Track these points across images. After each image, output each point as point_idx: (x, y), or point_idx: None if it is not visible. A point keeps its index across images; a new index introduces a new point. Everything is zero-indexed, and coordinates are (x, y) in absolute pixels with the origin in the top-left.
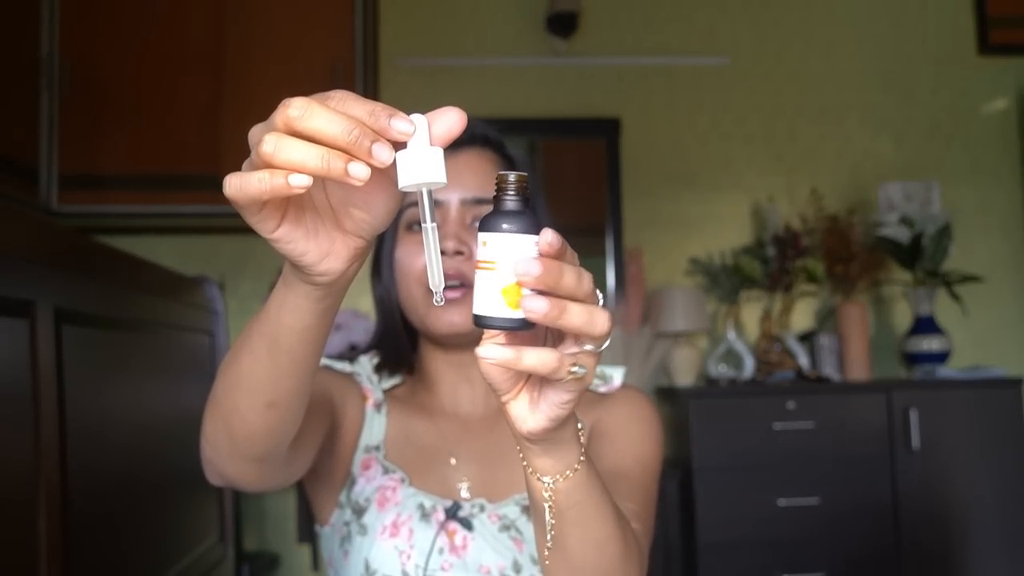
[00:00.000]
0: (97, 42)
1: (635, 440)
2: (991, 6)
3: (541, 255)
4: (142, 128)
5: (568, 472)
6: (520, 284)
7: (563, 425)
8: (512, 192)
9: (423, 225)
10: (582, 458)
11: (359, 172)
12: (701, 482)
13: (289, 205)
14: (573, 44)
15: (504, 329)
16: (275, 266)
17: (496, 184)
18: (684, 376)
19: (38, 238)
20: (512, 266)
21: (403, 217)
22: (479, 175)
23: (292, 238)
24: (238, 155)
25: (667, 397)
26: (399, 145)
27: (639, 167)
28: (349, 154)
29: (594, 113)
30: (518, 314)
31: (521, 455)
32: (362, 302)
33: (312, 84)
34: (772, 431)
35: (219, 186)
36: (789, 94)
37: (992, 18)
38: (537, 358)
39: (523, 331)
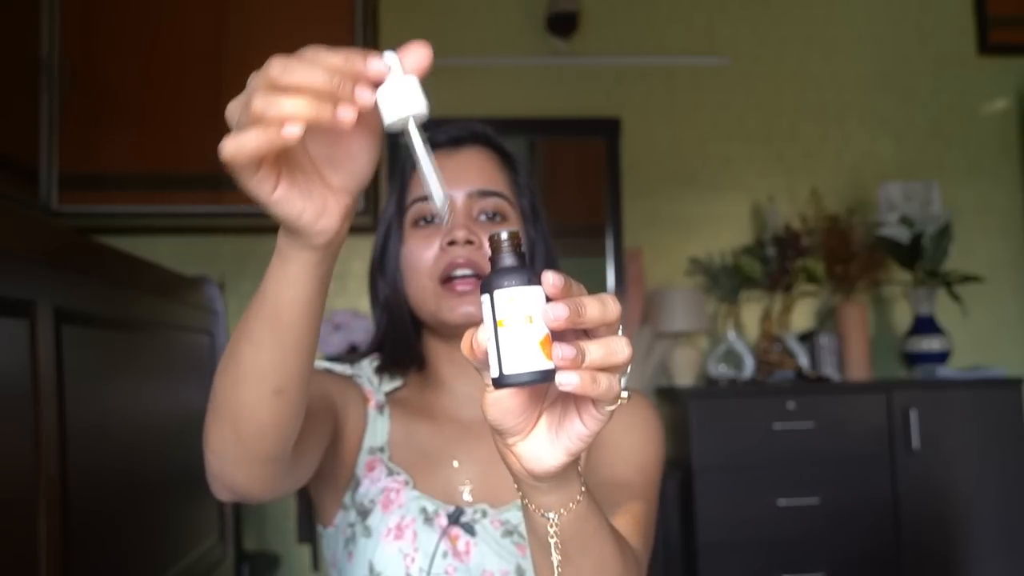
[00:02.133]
0: (97, 42)
1: (636, 448)
2: (991, 6)
3: (551, 298)
4: (142, 128)
5: (571, 504)
6: (551, 330)
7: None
8: (508, 249)
9: (415, 151)
10: (583, 488)
11: (347, 114)
12: (701, 482)
13: (282, 167)
14: (573, 44)
15: (535, 383)
16: None
17: (491, 245)
18: (684, 376)
19: (38, 238)
20: (540, 317)
21: (408, 214)
22: (482, 170)
23: (289, 197)
24: None
25: (667, 397)
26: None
27: (639, 167)
28: (334, 100)
29: (594, 113)
30: (549, 364)
31: (521, 494)
32: (362, 302)
33: None
34: (772, 431)
35: (219, 186)
36: (789, 94)
37: (992, 18)
38: (606, 382)
39: (545, 383)
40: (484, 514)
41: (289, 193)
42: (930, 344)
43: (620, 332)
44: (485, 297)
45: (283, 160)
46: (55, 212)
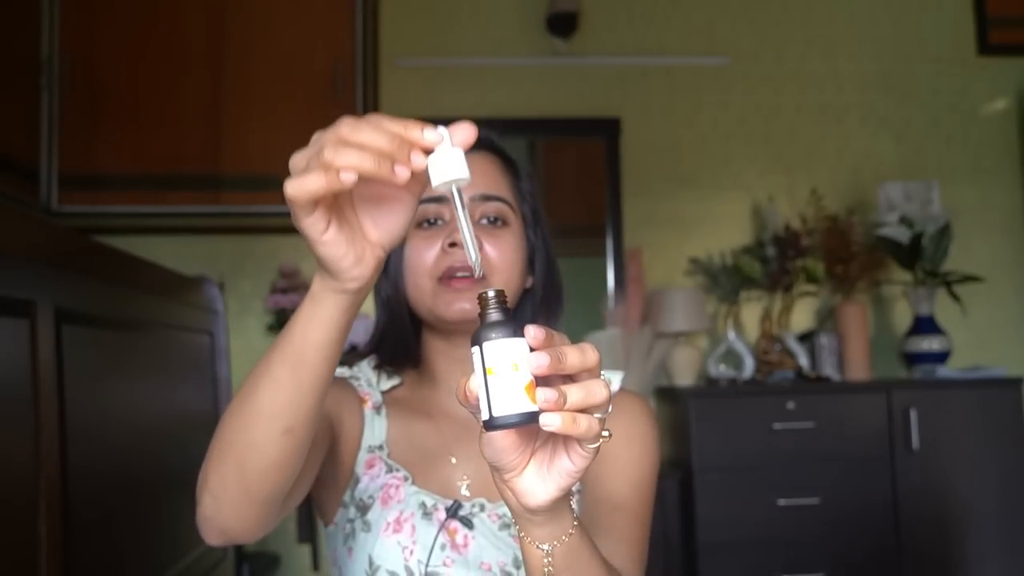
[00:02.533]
0: (97, 42)
1: (633, 462)
2: (991, 6)
3: (534, 348)
4: (142, 128)
5: (564, 537)
6: (535, 376)
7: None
8: (495, 305)
9: (457, 213)
10: (576, 521)
11: (403, 172)
12: (701, 482)
13: (334, 213)
14: (573, 44)
15: (522, 424)
16: (275, 266)
17: (479, 302)
18: (684, 376)
19: (38, 238)
20: (525, 366)
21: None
22: (485, 176)
23: (336, 240)
24: (238, 155)
25: (667, 397)
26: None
27: (639, 167)
28: (391, 160)
29: (594, 113)
30: (533, 407)
31: (518, 528)
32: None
33: (312, 84)
34: (772, 431)
35: (219, 186)
36: (789, 94)
37: (992, 18)
38: (586, 423)
39: (532, 424)
40: (482, 508)
41: (337, 237)
42: (930, 344)
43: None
44: (475, 349)
45: (335, 208)
46: (55, 212)
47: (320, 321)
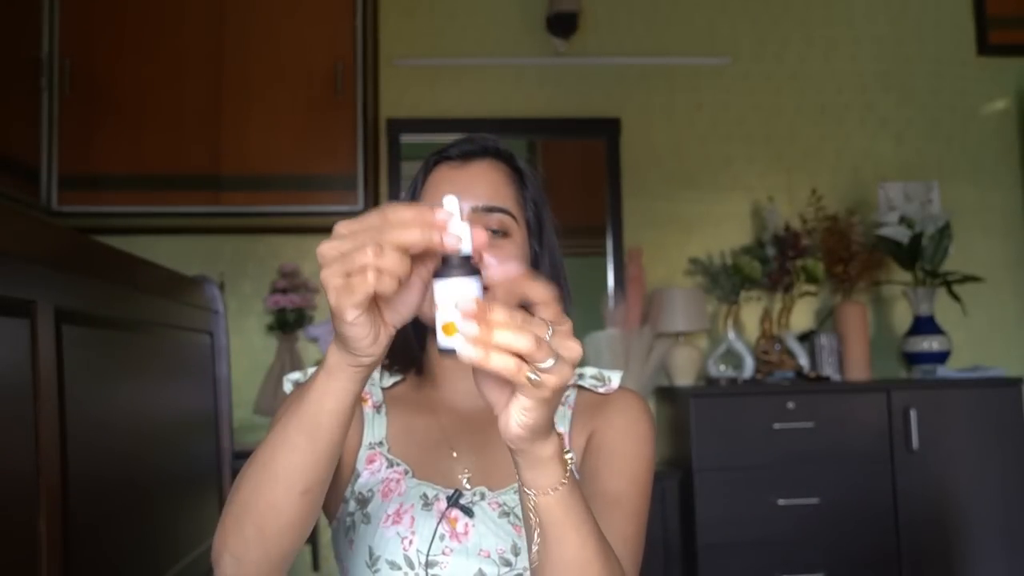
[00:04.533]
0: (97, 42)
1: (630, 458)
2: (991, 6)
3: (487, 288)
4: (142, 128)
5: (551, 490)
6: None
7: (540, 440)
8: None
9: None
10: (564, 480)
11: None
12: (701, 482)
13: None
14: (573, 44)
15: (450, 352)
16: (275, 266)
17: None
18: (684, 376)
19: (38, 238)
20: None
21: None
22: (490, 185)
23: (363, 323)
24: (238, 155)
25: (667, 397)
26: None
27: (639, 167)
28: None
29: (594, 113)
30: (457, 340)
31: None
32: None
33: (312, 84)
34: (772, 431)
35: (219, 186)
36: (789, 94)
37: (992, 18)
38: (501, 361)
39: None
40: (482, 496)
41: (365, 319)
42: (930, 344)
43: (551, 334)
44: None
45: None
46: (55, 212)
47: (335, 391)
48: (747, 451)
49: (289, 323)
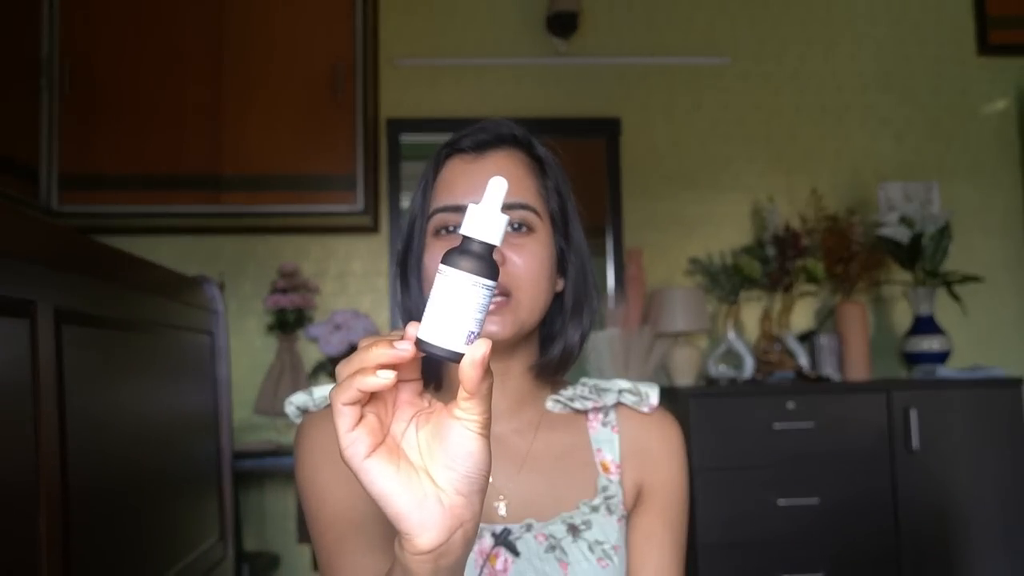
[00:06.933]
0: (97, 42)
1: (676, 503)
2: (991, 6)
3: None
4: (142, 128)
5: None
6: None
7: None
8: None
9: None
10: None
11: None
12: (701, 482)
13: (381, 439)
14: (573, 44)
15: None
16: (275, 266)
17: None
18: (684, 376)
19: (38, 238)
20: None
21: (431, 223)
22: (509, 179)
23: (382, 469)
24: (238, 155)
25: (667, 397)
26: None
27: (639, 167)
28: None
29: (594, 113)
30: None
31: None
32: (362, 302)
33: (312, 84)
34: (772, 431)
35: (219, 186)
36: (789, 94)
37: (992, 18)
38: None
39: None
40: (529, 528)
41: (383, 465)
42: (930, 344)
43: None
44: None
45: (380, 428)
46: (55, 212)
47: None
48: (747, 451)
49: (289, 323)
